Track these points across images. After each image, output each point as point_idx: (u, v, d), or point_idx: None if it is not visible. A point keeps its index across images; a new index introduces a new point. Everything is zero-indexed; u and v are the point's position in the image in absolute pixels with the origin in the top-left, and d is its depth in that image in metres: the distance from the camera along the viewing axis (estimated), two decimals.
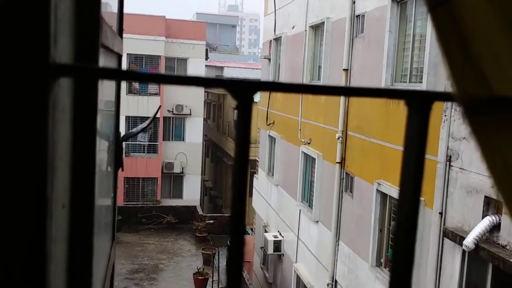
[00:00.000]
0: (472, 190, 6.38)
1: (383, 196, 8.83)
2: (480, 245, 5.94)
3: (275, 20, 15.57)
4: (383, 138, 8.78)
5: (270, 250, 14.51)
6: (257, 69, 31.47)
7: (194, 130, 26.88)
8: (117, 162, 2.25)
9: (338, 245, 10.70)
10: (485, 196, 6.14)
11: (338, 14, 10.93)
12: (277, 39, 15.49)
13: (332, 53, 11.30)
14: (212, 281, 17.69)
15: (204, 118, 28.36)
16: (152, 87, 25.54)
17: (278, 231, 14.89)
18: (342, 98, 10.25)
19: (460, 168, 6.66)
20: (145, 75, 0.47)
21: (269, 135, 15.90)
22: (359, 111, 9.90)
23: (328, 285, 10.93)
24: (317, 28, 12.42)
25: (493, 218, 5.95)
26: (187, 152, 26.52)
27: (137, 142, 25.68)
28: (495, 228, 5.95)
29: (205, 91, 28.91)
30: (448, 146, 6.88)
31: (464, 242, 6.08)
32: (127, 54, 24.10)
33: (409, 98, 0.49)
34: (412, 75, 8.29)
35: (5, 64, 0.52)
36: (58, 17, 0.64)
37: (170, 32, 25.90)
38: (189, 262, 20.18)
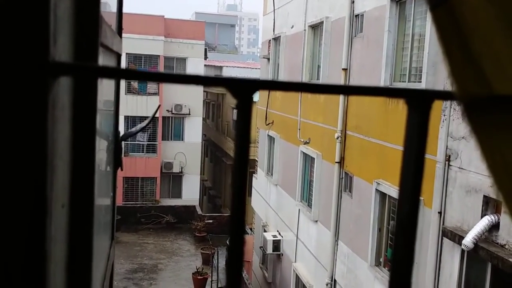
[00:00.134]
0: (471, 190, 6.38)
1: (382, 195, 8.84)
2: (479, 244, 5.95)
3: (274, 19, 15.56)
4: (382, 137, 8.79)
5: (269, 249, 14.51)
6: (256, 68, 31.47)
7: (193, 130, 26.88)
8: (116, 162, 2.24)
9: (337, 244, 10.70)
10: (484, 196, 6.14)
11: (337, 13, 10.93)
12: (276, 39, 15.49)
13: (331, 52, 11.30)
14: (211, 280, 17.68)
15: (203, 118, 28.36)
16: (151, 87, 25.52)
17: (277, 231, 14.89)
18: (341, 98, 10.25)
19: (459, 168, 6.66)
20: (144, 73, 0.47)
21: (268, 135, 15.90)
22: (358, 111, 9.90)
23: (327, 284, 10.94)
24: (316, 27, 12.42)
25: (492, 217, 5.96)
26: (186, 152, 26.52)
27: (136, 142, 25.67)
28: (494, 227, 5.96)
29: (204, 91, 28.91)
30: (447, 146, 6.88)
31: (463, 241, 6.09)
32: (126, 53, 24.09)
33: (409, 97, 0.48)
34: (411, 74, 8.29)
35: (4, 63, 0.52)
36: (58, 16, 0.64)
37: (169, 32, 25.89)
38: (188, 261, 20.18)
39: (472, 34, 0.42)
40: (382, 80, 8.79)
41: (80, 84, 0.90)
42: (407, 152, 0.48)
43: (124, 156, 23.09)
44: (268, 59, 16.34)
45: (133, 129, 5.89)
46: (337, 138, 10.49)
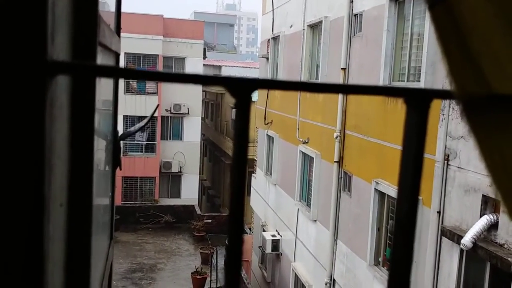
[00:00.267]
0: (470, 189, 6.39)
1: (381, 195, 8.84)
2: (478, 244, 5.95)
3: (273, 19, 15.56)
4: (381, 137, 8.79)
5: (268, 249, 14.51)
6: (255, 68, 31.46)
7: (192, 129, 26.87)
8: (115, 161, 2.24)
9: (336, 244, 10.71)
10: (483, 195, 6.15)
11: (336, 13, 10.93)
12: (275, 38, 15.49)
13: (330, 52, 11.30)
14: (210, 280, 17.68)
15: (202, 117, 28.36)
16: (150, 86, 25.51)
17: (276, 230, 14.89)
18: (340, 97, 10.26)
19: (458, 167, 6.67)
20: (143, 72, 0.47)
21: (267, 134, 15.90)
22: (357, 110, 9.91)
23: (326, 284, 10.94)
24: (315, 27, 12.42)
25: (491, 217, 5.96)
26: (185, 152, 26.52)
27: (135, 142, 25.66)
28: (493, 227, 5.96)
29: (203, 90, 28.90)
30: (446, 145, 6.89)
31: (462, 241, 6.09)
32: (125, 53, 24.09)
33: (408, 96, 0.48)
34: (410, 74, 8.30)
35: (2, 61, 0.51)
36: (56, 14, 0.64)
37: (168, 31, 25.88)
38: (187, 261, 20.18)
39: (471, 32, 0.42)
40: (381, 79, 8.79)
41: (78, 83, 0.90)
42: (405, 152, 0.48)
43: (123, 155, 23.09)
44: (267, 58, 16.34)
45: (132, 129, 5.85)
46: (336, 137, 10.49)
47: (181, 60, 26.54)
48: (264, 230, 15.72)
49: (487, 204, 6.16)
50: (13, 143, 0.53)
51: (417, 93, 0.48)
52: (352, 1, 10.16)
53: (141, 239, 22.58)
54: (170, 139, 26.62)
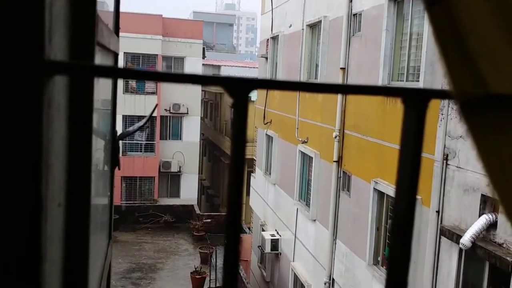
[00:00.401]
0: (469, 189, 6.39)
1: (380, 194, 8.85)
2: (477, 243, 5.96)
3: (272, 18, 15.56)
4: (380, 136, 8.80)
5: (268, 249, 14.51)
6: (254, 68, 31.46)
7: (191, 129, 26.87)
8: (113, 161, 2.24)
9: (335, 243, 10.71)
10: (482, 195, 6.15)
11: (335, 12, 10.93)
12: (274, 38, 15.49)
13: (329, 51, 11.31)
14: (210, 280, 17.68)
15: (201, 117, 28.35)
16: (149, 86, 25.51)
17: (276, 230, 14.90)
18: (339, 97, 10.26)
19: (457, 167, 6.67)
20: (141, 72, 0.47)
21: (266, 134, 15.90)
22: (356, 110, 9.91)
23: (325, 283, 10.95)
24: (314, 26, 12.42)
25: (490, 216, 5.97)
26: (184, 151, 26.51)
27: (134, 141, 25.66)
28: (492, 226, 5.97)
29: (202, 90, 28.90)
30: (445, 145, 6.89)
31: (461, 240, 6.10)
32: (124, 53, 24.08)
33: (406, 96, 0.48)
34: (409, 73, 8.30)
35: None
36: (54, 14, 0.63)
37: (167, 31, 25.86)
38: (187, 261, 20.17)
39: (469, 32, 0.42)
40: (380, 79, 8.79)
41: (76, 83, 0.89)
42: (403, 151, 0.48)
43: (122, 155, 23.07)
44: (266, 58, 16.34)
45: (131, 128, 5.84)
46: (335, 137, 10.50)
47: (180, 59, 26.54)
48: (263, 230, 15.72)
49: (486, 204, 6.16)
50: (11, 143, 0.53)
51: (415, 93, 0.48)
52: (351, 1, 10.16)
53: (140, 238, 22.57)
54: (169, 138, 26.61)
